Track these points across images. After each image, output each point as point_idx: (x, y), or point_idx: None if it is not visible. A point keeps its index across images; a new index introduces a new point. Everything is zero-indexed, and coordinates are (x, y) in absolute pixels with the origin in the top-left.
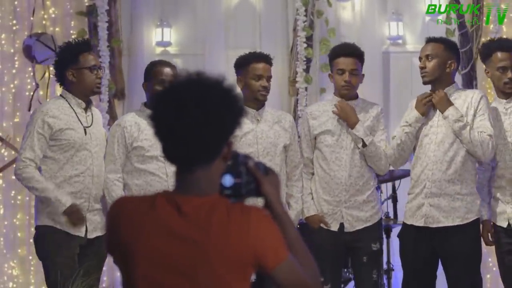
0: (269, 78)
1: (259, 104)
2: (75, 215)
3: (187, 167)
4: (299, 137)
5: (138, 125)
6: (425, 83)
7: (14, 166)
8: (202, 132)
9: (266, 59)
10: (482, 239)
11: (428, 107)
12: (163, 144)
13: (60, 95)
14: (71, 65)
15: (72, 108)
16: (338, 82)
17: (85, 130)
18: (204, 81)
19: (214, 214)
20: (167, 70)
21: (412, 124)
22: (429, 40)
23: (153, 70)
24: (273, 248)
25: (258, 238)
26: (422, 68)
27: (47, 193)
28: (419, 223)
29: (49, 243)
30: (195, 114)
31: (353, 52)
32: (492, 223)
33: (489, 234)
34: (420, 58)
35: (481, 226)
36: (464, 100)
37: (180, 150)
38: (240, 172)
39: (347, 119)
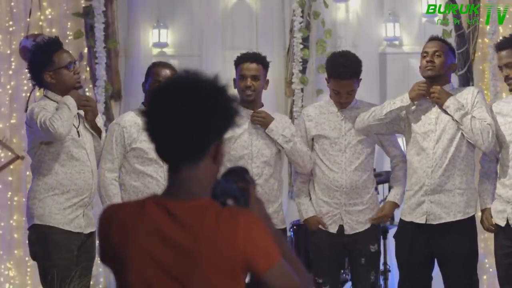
0: (254, 77)
1: (252, 104)
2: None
3: (174, 165)
4: None
5: (138, 126)
6: (428, 76)
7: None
8: (185, 128)
9: (249, 59)
10: (478, 240)
11: (420, 95)
12: (151, 141)
13: (45, 95)
14: (47, 67)
15: None
16: (334, 99)
17: (78, 132)
18: (195, 78)
19: (203, 218)
20: (166, 71)
21: (397, 101)
22: (435, 38)
23: (152, 70)
24: (264, 251)
25: (248, 242)
26: (430, 61)
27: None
28: (420, 220)
29: (49, 243)
30: (179, 109)
31: (350, 76)
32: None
33: (488, 221)
34: (425, 53)
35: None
36: (460, 97)
37: (164, 146)
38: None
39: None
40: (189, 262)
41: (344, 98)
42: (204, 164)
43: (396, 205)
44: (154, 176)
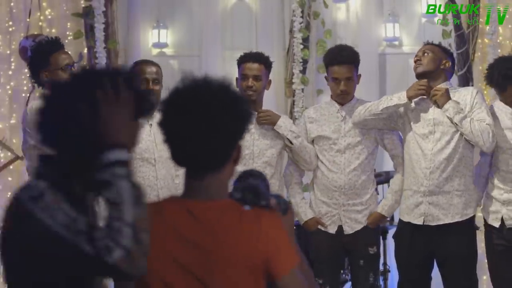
0: (255, 77)
1: (253, 104)
2: None
3: (198, 174)
4: None
5: None
6: (418, 74)
7: None
8: (209, 140)
9: (252, 58)
10: (478, 241)
11: (418, 94)
12: (172, 150)
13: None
14: (43, 68)
15: None
16: (333, 90)
17: None
18: (209, 87)
19: (224, 218)
20: (150, 68)
21: (394, 98)
22: (426, 43)
23: (135, 69)
24: (284, 254)
25: (269, 243)
26: (417, 61)
27: None
28: (418, 221)
29: None
30: (201, 123)
31: (347, 60)
32: (484, 223)
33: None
34: (416, 57)
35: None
36: (458, 97)
37: (189, 158)
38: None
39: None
40: (209, 262)
41: (343, 85)
42: (227, 168)
43: (383, 217)
44: (147, 177)
